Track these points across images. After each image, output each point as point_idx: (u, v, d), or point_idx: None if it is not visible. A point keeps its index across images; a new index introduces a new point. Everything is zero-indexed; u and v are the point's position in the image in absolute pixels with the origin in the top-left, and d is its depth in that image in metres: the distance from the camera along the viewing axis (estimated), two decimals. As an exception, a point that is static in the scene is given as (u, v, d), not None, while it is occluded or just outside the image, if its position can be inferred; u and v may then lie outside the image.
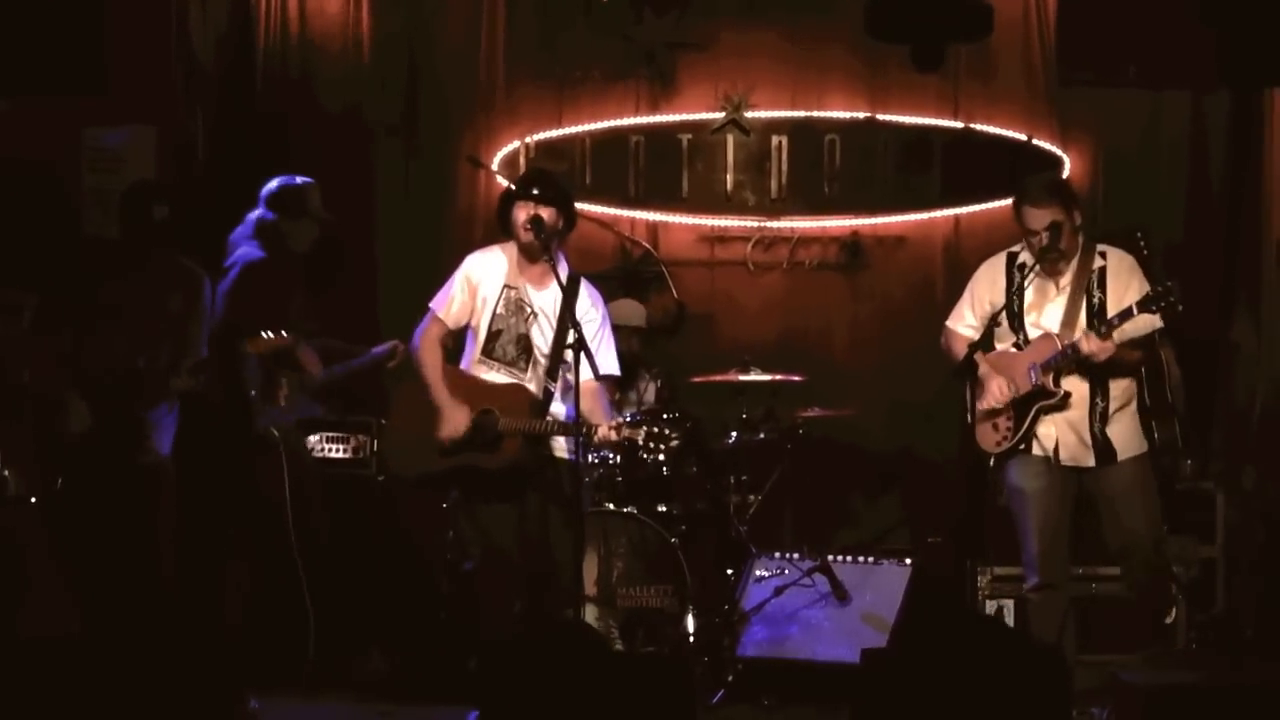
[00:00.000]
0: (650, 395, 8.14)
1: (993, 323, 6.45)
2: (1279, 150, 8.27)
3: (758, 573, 7.58)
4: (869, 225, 8.89)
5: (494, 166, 8.80)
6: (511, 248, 6.48)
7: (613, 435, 6.18)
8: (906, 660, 4.94)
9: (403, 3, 8.90)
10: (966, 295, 6.66)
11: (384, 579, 7.69)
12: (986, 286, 6.57)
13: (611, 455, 7.53)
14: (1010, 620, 7.27)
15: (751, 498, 7.84)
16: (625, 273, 8.82)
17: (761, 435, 7.78)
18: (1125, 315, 6.12)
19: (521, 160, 8.78)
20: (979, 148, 8.79)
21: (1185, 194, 8.65)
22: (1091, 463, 6.35)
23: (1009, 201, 8.37)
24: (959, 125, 8.79)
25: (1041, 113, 8.78)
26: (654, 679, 4.93)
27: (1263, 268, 8.33)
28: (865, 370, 8.79)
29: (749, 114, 8.83)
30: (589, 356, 6.09)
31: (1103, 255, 6.43)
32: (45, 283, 6.99)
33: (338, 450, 7.78)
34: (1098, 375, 6.31)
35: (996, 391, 6.42)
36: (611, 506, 7.51)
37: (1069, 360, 6.24)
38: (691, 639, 7.34)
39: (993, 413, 6.45)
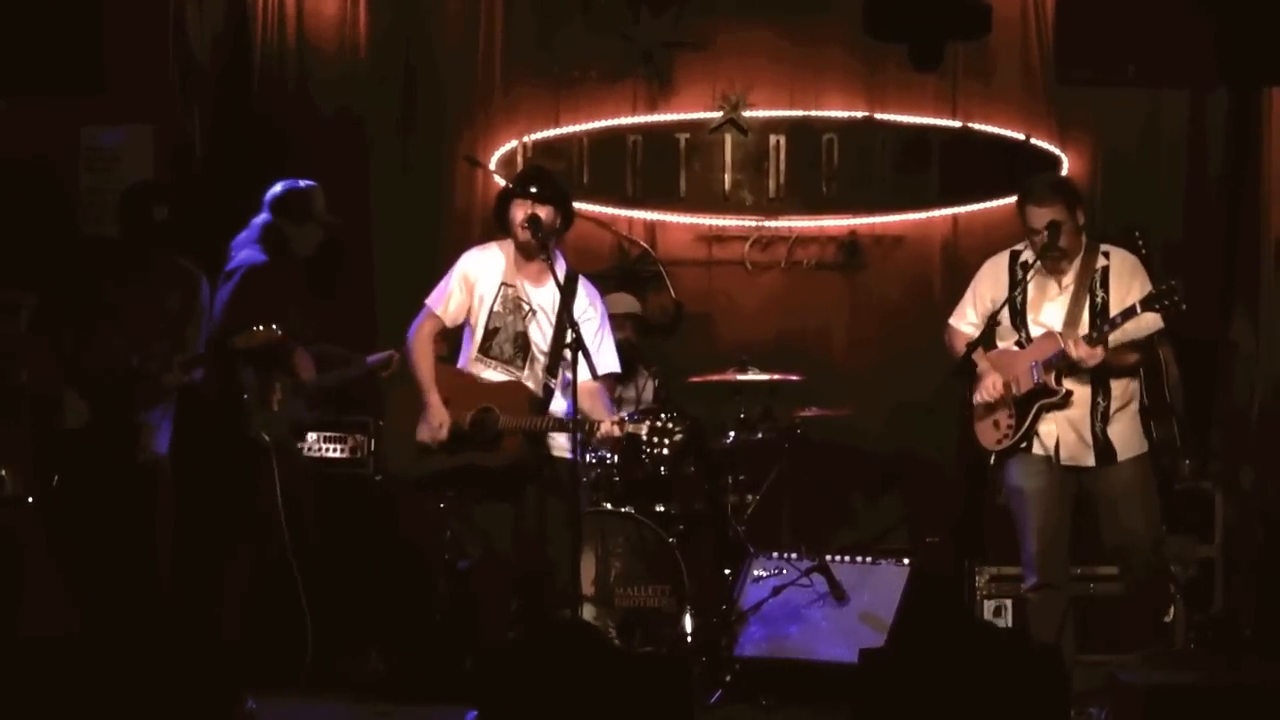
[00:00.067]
0: (648, 394, 8.14)
1: (993, 321, 6.44)
2: (1278, 149, 8.27)
3: (755, 572, 7.58)
4: (867, 225, 8.88)
5: (491, 166, 8.80)
6: (509, 245, 6.47)
7: (615, 431, 6.15)
8: (905, 660, 4.94)
9: (400, 2, 8.90)
10: (969, 293, 6.66)
11: (382, 579, 7.69)
12: (989, 284, 6.57)
13: (609, 455, 7.52)
14: (1009, 620, 7.27)
15: (749, 497, 7.83)
16: (623, 272, 8.82)
17: (759, 435, 7.78)
18: (1128, 314, 6.12)
19: (519, 160, 8.77)
20: (977, 147, 8.78)
21: (1184, 193, 8.64)
22: (1091, 462, 6.34)
23: (1007, 201, 8.45)
24: (957, 125, 8.79)
25: (1040, 112, 8.78)
26: (652, 679, 4.93)
27: (1261, 267, 8.33)
28: (863, 370, 8.79)
29: (747, 113, 8.82)
30: (587, 356, 6.08)
31: (1106, 255, 6.43)
32: (43, 282, 6.99)
33: (335, 450, 7.78)
34: (1099, 374, 6.30)
35: (990, 387, 6.42)
36: (609, 506, 7.51)
37: (1064, 363, 6.24)
38: (689, 639, 7.34)
39: (993, 410, 6.44)
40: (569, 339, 6.12)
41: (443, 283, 6.50)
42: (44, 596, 6.61)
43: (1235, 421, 8.26)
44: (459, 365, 6.50)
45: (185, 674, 4.94)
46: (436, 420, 6.32)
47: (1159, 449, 6.76)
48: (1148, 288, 6.24)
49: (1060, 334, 6.29)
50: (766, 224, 8.88)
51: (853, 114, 8.83)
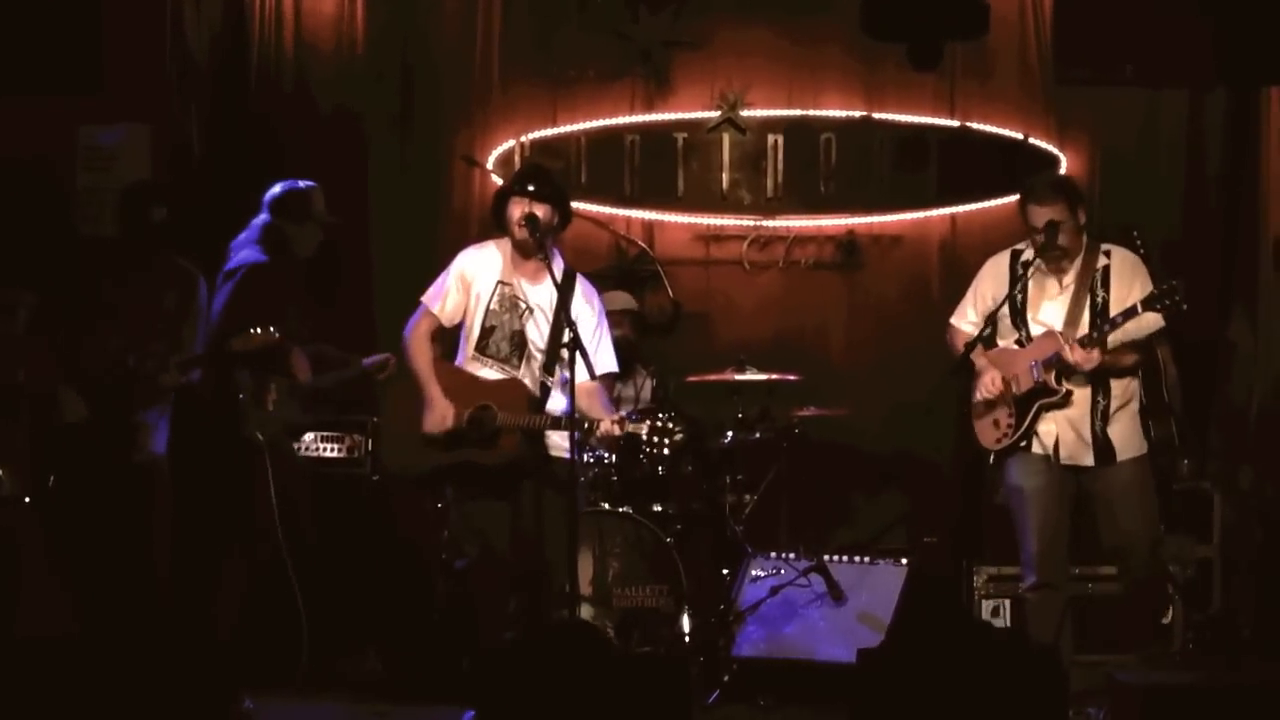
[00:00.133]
0: (646, 393, 8.14)
1: (991, 319, 6.42)
2: (1276, 149, 8.28)
3: (753, 572, 7.57)
4: (865, 224, 8.87)
5: (489, 166, 8.79)
6: (505, 244, 6.46)
7: (616, 430, 6.13)
8: (903, 660, 4.93)
9: (397, 1, 8.89)
10: (970, 292, 6.65)
11: (379, 579, 7.68)
12: (990, 283, 6.56)
13: (607, 455, 7.52)
14: (1006, 620, 7.26)
15: (747, 497, 7.82)
16: (620, 271, 8.81)
17: (757, 435, 7.77)
18: (1129, 314, 6.12)
19: (517, 159, 8.76)
20: (975, 147, 8.78)
21: (1182, 193, 8.64)
22: (1090, 462, 6.33)
23: (1005, 200, 8.45)
24: (955, 124, 8.78)
25: (1038, 111, 8.77)
26: (650, 679, 4.93)
27: (1260, 267, 8.33)
28: (861, 369, 8.78)
29: (745, 113, 8.82)
30: (585, 356, 6.06)
31: (1107, 254, 6.43)
32: (40, 282, 6.98)
33: (332, 450, 7.77)
34: (1099, 374, 6.29)
35: (990, 383, 6.41)
36: (607, 506, 7.50)
37: (1062, 364, 6.24)
38: (687, 639, 7.33)
39: (993, 409, 6.44)
40: (567, 338, 6.11)
41: (439, 281, 6.49)
42: (41, 597, 6.60)
43: (1234, 421, 8.26)
44: (456, 363, 6.49)
45: (183, 674, 4.94)
46: (440, 411, 6.30)
47: (1157, 449, 6.74)
48: (1149, 287, 6.23)
49: (1060, 334, 6.28)
50: (764, 223, 8.87)
51: (851, 113, 8.83)
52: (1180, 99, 8.63)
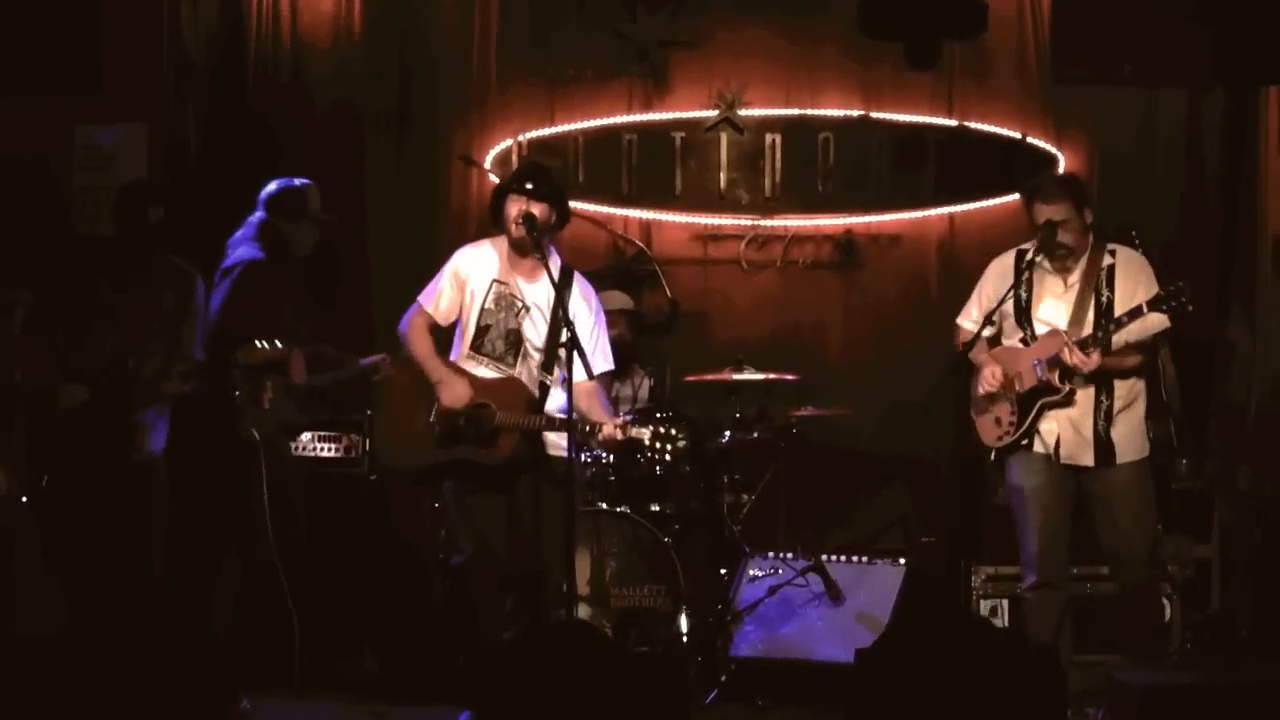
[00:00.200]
0: (644, 392, 8.13)
1: (991, 318, 6.40)
2: (1274, 149, 8.28)
3: (751, 572, 7.56)
4: (863, 224, 8.87)
5: (486, 165, 8.79)
6: (502, 242, 6.45)
7: (618, 434, 6.13)
8: (901, 660, 4.92)
9: (394, 0, 8.88)
10: (976, 292, 6.63)
11: (376, 579, 7.67)
12: (995, 283, 6.53)
13: (605, 454, 7.51)
14: (1004, 620, 7.26)
15: (745, 497, 7.82)
16: (618, 271, 8.80)
17: (755, 434, 7.77)
18: (1135, 314, 6.11)
19: (514, 159, 8.76)
20: (973, 146, 8.77)
21: (1181, 193, 8.64)
22: (1090, 461, 6.32)
23: (1004, 200, 8.46)
24: (953, 123, 8.78)
25: (1036, 111, 8.77)
26: (648, 679, 4.92)
27: (1258, 266, 8.34)
28: (859, 369, 8.78)
29: (742, 112, 8.82)
30: (582, 356, 6.06)
31: (1112, 254, 6.41)
32: (37, 281, 6.97)
33: (330, 449, 7.76)
34: (1103, 373, 6.28)
35: (990, 376, 6.39)
36: (604, 506, 7.50)
37: (1064, 365, 6.23)
38: (685, 638, 7.33)
39: (995, 407, 6.42)
40: (564, 338, 6.10)
41: (435, 280, 6.48)
42: (38, 596, 6.59)
43: (1232, 421, 8.26)
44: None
45: (180, 674, 4.93)
46: (455, 386, 6.27)
47: (1156, 449, 6.74)
48: (1154, 288, 6.21)
49: (1064, 333, 6.27)
50: (762, 223, 8.87)
51: (849, 113, 8.82)
52: (1178, 99, 8.64)
